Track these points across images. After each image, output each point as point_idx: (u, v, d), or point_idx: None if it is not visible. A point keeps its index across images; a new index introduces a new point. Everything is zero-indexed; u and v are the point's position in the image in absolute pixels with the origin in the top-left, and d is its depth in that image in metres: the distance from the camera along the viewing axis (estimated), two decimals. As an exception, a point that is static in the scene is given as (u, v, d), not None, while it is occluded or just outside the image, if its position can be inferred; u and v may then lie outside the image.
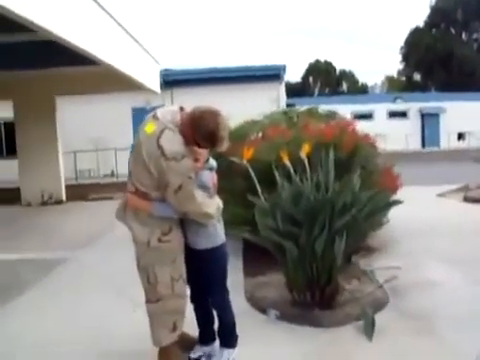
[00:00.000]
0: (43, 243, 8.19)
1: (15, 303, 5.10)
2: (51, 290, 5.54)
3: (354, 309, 4.22)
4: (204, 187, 3.16)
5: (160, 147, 2.92)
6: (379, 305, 4.36)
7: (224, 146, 3.11)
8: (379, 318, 4.02)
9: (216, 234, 3.28)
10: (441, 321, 4.06)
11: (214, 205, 3.18)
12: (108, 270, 6.06)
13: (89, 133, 17.83)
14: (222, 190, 5.32)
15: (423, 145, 35.65)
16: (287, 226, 4.10)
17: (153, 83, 12.57)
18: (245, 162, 4.37)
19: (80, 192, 14.57)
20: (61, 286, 5.67)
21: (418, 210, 8.80)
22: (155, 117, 3.08)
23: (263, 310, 4.35)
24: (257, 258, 5.45)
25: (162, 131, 2.96)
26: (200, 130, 2.97)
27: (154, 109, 3.25)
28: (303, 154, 4.45)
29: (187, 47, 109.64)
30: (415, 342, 3.72)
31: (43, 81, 12.73)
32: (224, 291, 3.38)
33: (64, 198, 13.90)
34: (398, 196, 5.94)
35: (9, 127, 15.82)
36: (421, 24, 60.16)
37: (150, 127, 3.02)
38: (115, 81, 11.18)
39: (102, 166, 18.64)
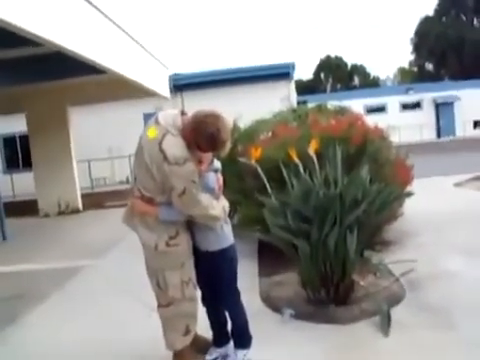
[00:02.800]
0: (61, 252, 8.26)
1: (35, 312, 5.18)
2: (70, 298, 5.59)
3: (370, 304, 4.19)
4: (209, 189, 3.16)
5: (162, 152, 2.92)
6: (395, 299, 4.32)
7: (226, 150, 3.10)
8: (396, 312, 3.99)
9: (224, 236, 3.27)
10: (459, 314, 3.99)
11: (220, 207, 3.17)
12: (125, 276, 6.09)
13: (102, 141, 17.97)
14: (234, 191, 5.38)
15: (438, 135, 35.27)
16: (298, 224, 4.07)
17: (163, 88, 12.61)
18: (254, 162, 4.37)
19: (96, 200, 14.68)
20: (79, 294, 5.73)
21: (434, 201, 8.74)
22: (157, 122, 3.07)
23: (278, 310, 4.33)
24: (272, 258, 5.44)
25: (164, 135, 2.96)
26: (201, 134, 2.96)
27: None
28: (311, 151, 4.42)
29: (195, 50, 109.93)
30: (433, 336, 3.66)
31: (54, 92, 12.85)
32: (235, 292, 3.37)
33: (81, 207, 14.01)
34: (413, 188, 5.91)
35: (24, 140, 16.01)
36: (431, 13, 59.67)
37: (152, 132, 3.02)
38: (125, 88, 11.25)
39: (117, 173, 18.77)
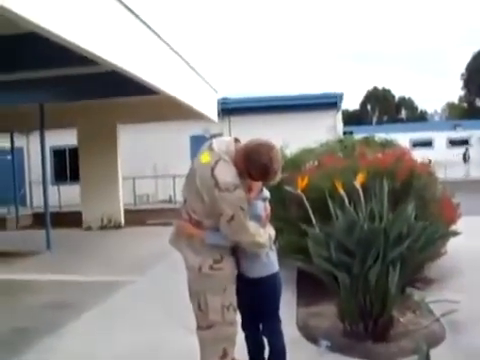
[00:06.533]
0: (102, 266, 8.44)
1: (74, 324, 5.31)
2: (109, 313, 5.71)
3: (409, 343, 4.12)
4: (257, 217, 3.21)
5: (214, 177, 2.98)
6: (435, 340, 4.22)
7: (276, 179, 3.15)
8: (435, 354, 3.87)
9: (269, 262, 3.31)
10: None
11: (266, 235, 3.22)
12: (164, 295, 6.17)
13: (148, 159, 18.30)
14: (277, 218, 5.40)
15: (486, 173, 34.38)
16: (340, 256, 4.08)
17: (211, 112, 12.80)
18: (299, 191, 4.40)
19: (138, 217, 14.94)
20: (118, 309, 5.83)
21: (480, 241, 8.50)
22: (210, 148, 3.16)
23: (315, 340, 4.32)
24: (311, 288, 5.42)
25: (217, 162, 3.03)
26: (253, 163, 3.02)
27: (212, 137, 3.34)
28: (358, 183, 4.43)
29: (245, 75, 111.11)
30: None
31: (106, 110, 13.26)
32: (276, 319, 3.38)
33: (123, 222, 14.28)
34: (458, 226, 5.80)
35: (73, 153, 16.47)
36: (484, 48, 58.78)
37: (205, 157, 3.10)
38: (174, 110, 11.48)
39: (160, 192, 19.04)
